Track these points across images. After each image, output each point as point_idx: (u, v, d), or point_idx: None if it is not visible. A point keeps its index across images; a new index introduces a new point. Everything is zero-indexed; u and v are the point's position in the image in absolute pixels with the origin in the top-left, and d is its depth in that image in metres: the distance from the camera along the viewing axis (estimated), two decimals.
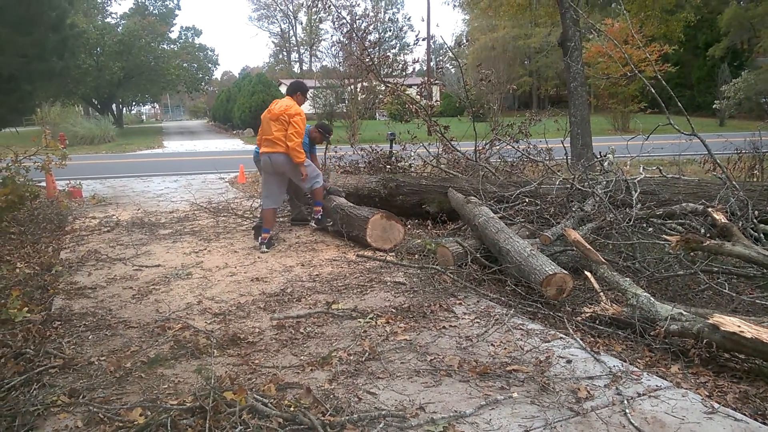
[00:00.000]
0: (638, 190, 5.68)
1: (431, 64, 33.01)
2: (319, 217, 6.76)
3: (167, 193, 10.76)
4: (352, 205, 6.56)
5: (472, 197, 6.09)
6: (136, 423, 2.64)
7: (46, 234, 7.20)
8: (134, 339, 3.78)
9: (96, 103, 39.31)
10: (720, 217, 4.95)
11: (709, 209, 5.16)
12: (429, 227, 6.93)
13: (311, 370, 3.24)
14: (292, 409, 2.74)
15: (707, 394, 2.95)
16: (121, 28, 37.40)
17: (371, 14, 23.81)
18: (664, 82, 6.10)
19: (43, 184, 9.85)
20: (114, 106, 42.38)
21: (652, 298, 3.73)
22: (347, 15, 18.80)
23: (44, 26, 9.71)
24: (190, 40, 45.26)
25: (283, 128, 6.05)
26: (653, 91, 6.00)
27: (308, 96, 6.45)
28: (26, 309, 4.29)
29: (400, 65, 18.29)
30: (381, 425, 2.59)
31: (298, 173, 6.26)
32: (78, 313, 4.31)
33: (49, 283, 5.10)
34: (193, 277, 5.20)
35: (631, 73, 8.07)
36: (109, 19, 41.57)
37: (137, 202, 9.47)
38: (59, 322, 4.11)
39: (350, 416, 2.68)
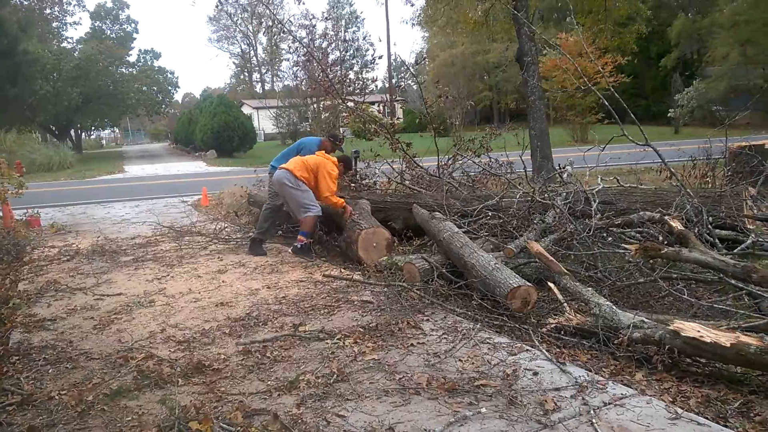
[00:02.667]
0: (597, 201, 5.80)
1: (392, 81, 33.32)
2: (299, 246, 6.57)
3: (128, 218, 10.57)
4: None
5: (437, 213, 6.14)
6: None
7: (2, 265, 6.98)
8: (96, 371, 3.68)
9: (54, 129, 38.56)
10: (676, 225, 5.08)
11: (666, 217, 5.30)
12: (395, 244, 6.94)
13: (278, 395, 3.20)
14: None
15: (671, 399, 3.01)
16: (77, 53, 36.88)
17: (331, 34, 24.01)
18: (616, 94, 6.26)
19: None
20: (72, 131, 41.61)
21: (614, 307, 3.80)
22: (307, 35, 18.90)
23: None
24: (149, 63, 44.89)
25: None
26: (606, 103, 6.16)
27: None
28: None
29: (361, 84, 18.40)
30: None
31: (289, 197, 6.54)
32: (37, 346, 4.17)
33: (6, 317, 4.94)
34: (156, 304, 5.10)
35: (585, 86, 8.26)
36: (65, 44, 40.93)
37: (98, 229, 9.27)
38: (17, 357, 3.98)
39: None
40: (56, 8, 42.18)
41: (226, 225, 8.93)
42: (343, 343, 3.93)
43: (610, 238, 5.34)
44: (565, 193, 6.24)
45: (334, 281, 5.50)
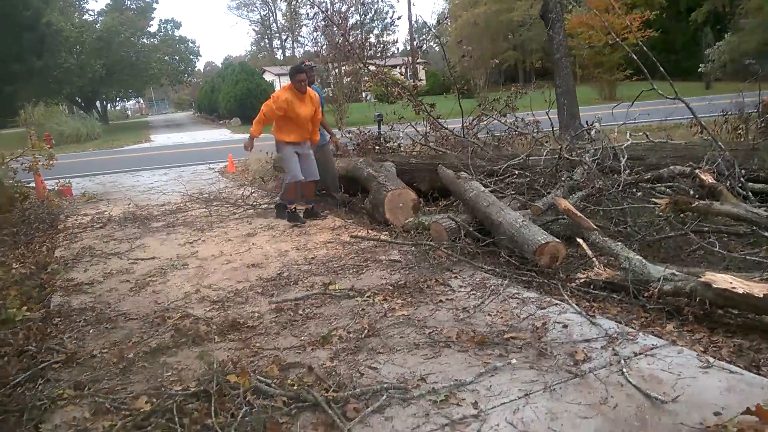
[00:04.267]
0: (626, 156, 5.71)
1: (414, 43, 32.82)
2: (279, 201, 6.93)
3: (157, 186, 10.73)
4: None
5: (462, 172, 6.11)
6: (142, 410, 2.67)
7: (39, 233, 7.17)
8: (135, 330, 3.80)
9: (80, 101, 38.97)
10: (707, 178, 4.99)
11: (697, 171, 5.20)
12: (421, 205, 6.95)
13: (312, 349, 3.28)
14: (295, 387, 2.78)
15: (702, 349, 3.00)
16: (99, 24, 36.99)
17: None
18: (646, 48, 6.10)
19: (33, 184, 9.81)
20: (98, 103, 42.01)
21: (644, 260, 3.78)
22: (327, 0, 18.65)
23: (19, 26, 9.59)
24: (170, 32, 44.79)
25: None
26: (635, 58, 6.01)
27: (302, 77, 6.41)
28: (25, 308, 4.29)
29: (382, 47, 18.18)
30: (384, 398, 2.64)
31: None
32: (77, 308, 4.32)
33: (46, 282, 5.11)
34: (189, 267, 5.21)
35: (613, 42, 8.04)
36: (86, 17, 40.96)
37: (128, 197, 9.43)
38: (59, 319, 4.13)
39: (353, 391, 2.73)
40: None
41: (253, 190, 9.01)
42: (373, 300, 3.99)
43: (639, 193, 5.27)
44: (593, 150, 6.15)
45: (361, 242, 5.55)
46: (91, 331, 3.86)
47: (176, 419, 2.53)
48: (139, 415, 2.64)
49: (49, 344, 3.63)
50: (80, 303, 4.45)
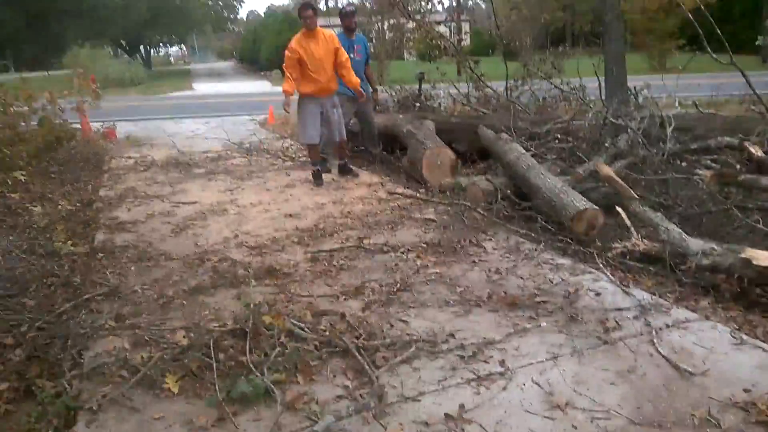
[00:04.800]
0: (672, 125, 5.56)
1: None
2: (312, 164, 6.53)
3: (199, 133, 10.88)
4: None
5: (503, 134, 6.04)
6: (179, 344, 2.79)
7: (84, 173, 7.38)
8: (175, 270, 3.93)
9: (124, 44, 39.33)
10: (756, 151, 4.84)
11: (745, 143, 5.05)
12: (459, 166, 6.91)
13: (344, 299, 3.36)
14: (327, 333, 2.86)
15: (736, 327, 2.97)
16: None
17: None
18: (708, 13, 5.84)
19: (78, 125, 10.03)
20: (142, 48, 42.36)
21: (683, 233, 3.72)
22: None
23: None
24: None
25: None
26: (695, 23, 5.77)
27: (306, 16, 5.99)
28: (71, 242, 4.49)
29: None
30: (412, 349, 2.70)
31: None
32: (120, 246, 4.47)
33: (91, 219, 5.29)
34: (229, 213, 5.33)
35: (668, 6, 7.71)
36: None
37: (171, 143, 9.59)
38: (102, 254, 4.28)
39: (383, 341, 2.80)
40: None
41: (292, 143, 9.07)
42: (407, 256, 4.04)
43: (684, 164, 5.15)
44: (639, 117, 6.00)
45: (397, 199, 5.57)
46: (132, 268, 4.01)
47: (212, 354, 2.64)
48: (176, 348, 2.76)
49: (92, 277, 3.80)
50: (123, 241, 4.60)
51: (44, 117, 8.44)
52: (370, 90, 7.40)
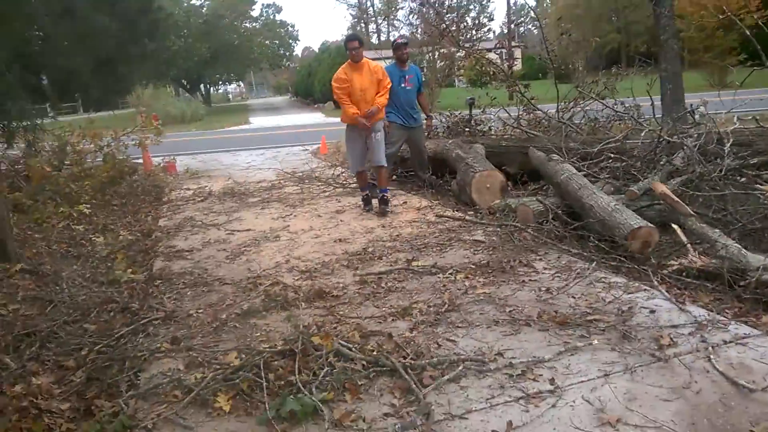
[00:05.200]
0: (731, 140, 5.37)
1: (511, 25, 32.09)
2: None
3: (254, 164, 11.19)
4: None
5: (554, 155, 5.98)
6: (231, 365, 2.85)
7: (145, 205, 7.69)
8: (229, 294, 4.04)
9: (185, 83, 41.06)
10: None
11: None
12: (510, 188, 6.86)
13: (392, 320, 3.37)
14: (374, 353, 2.87)
15: None
16: (205, 9, 38.74)
17: None
18: (766, 28, 5.67)
19: (140, 160, 10.50)
20: (202, 86, 44.10)
21: (742, 249, 3.58)
22: None
23: (134, 10, 10.24)
24: (271, 17, 46.17)
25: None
26: (753, 39, 5.61)
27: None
28: (130, 270, 4.67)
29: (477, 26, 17.86)
30: (460, 368, 2.68)
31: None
32: (177, 272, 4.63)
33: (150, 247, 5.50)
34: (281, 239, 5.45)
35: (727, 22, 7.51)
36: (193, 1, 43.03)
37: (227, 174, 9.91)
38: (160, 281, 4.45)
39: (430, 360, 2.79)
40: None
41: (343, 170, 9.20)
42: (455, 277, 4.02)
43: (743, 180, 4.96)
44: (696, 134, 5.83)
45: (446, 222, 5.57)
46: (188, 293, 4.14)
47: (262, 374, 2.69)
48: (228, 369, 2.83)
49: (150, 303, 3.95)
50: (180, 268, 4.76)
51: (108, 153, 8.91)
52: (423, 118, 7.42)
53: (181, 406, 2.57)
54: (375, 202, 6.43)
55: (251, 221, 6.28)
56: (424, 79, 11.65)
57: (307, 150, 12.99)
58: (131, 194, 8.25)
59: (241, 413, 2.51)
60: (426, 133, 7.98)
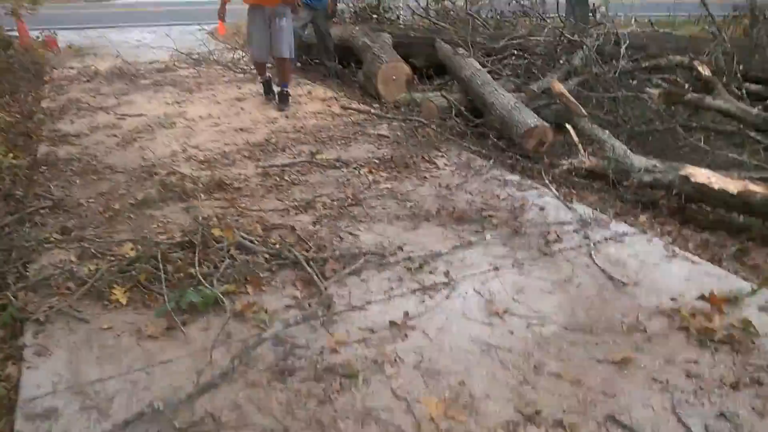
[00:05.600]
0: (627, 42, 5.56)
1: None
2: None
3: (146, 43, 10.39)
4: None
5: (460, 49, 5.96)
6: (127, 256, 2.77)
7: (24, 83, 7.01)
8: (121, 183, 3.85)
9: None
10: (705, 71, 4.92)
11: (695, 62, 5.11)
12: (415, 81, 6.82)
13: (295, 213, 3.37)
14: (277, 246, 2.88)
15: (671, 241, 3.11)
16: None
17: None
18: None
19: (15, 33, 9.42)
20: None
21: (628, 150, 3.82)
22: None
23: None
24: None
25: None
26: None
27: None
28: (11, 155, 4.31)
29: None
30: (361, 261, 2.76)
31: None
32: (63, 158, 4.34)
33: (32, 131, 5.08)
34: (177, 126, 5.19)
35: None
36: None
37: (115, 53, 9.11)
38: (45, 167, 4.16)
39: (332, 253, 2.84)
40: None
41: (244, 54, 8.74)
42: (358, 172, 4.04)
43: (634, 82, 5.21)
44: (595, 35, 5.98)
45: (351, 114, 5.50)
46: (77, 181, 3.91)
47: (160, 266, 2.63)
48: (124, 260, 2.75)
49: (35, 191, 3.70)
50: (67, 153, 4.46)
51: None
52: (326, 0, 7.10)
53: (75, 298, 2.50)
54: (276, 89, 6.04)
55: (143, 105, 5.90)
56: None
57: (204, 29, 12.13)
58: (7, 71, 7.45)
59: (138, 305, 2.48)
60: (330, 14, 7.54)
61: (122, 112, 5.61)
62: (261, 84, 6.19)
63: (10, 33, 8.99)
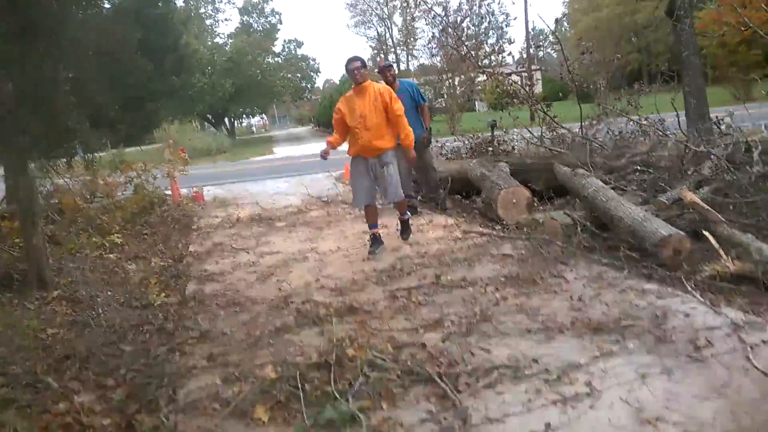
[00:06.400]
0: (759, 148, 5.33)
1: (530, 49, 32.27)
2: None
3: (280, 191, 11.33)
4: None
5: (580, 169, 5.98)
6: (268, 377, 2.89)
7: (175, 233, 7.82)
8: (261, 313, 4.09)
9: (210, 118, 41.89)
10: None
11: None
12: (536, 205, 6.85)
13: (424, 332, 3.38)
14: (408, 363, 2.88)
15: None
16: (229, 46, 39.74)
17: (465, 8, 23.69)
18: None
19: (169, 192, 10.70)
20: (226, 119, 44.95)
21: None
22: (441, 10, 18.88)
23: (162, 48, 10.60)
24: (293, 51, 47.02)
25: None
26: None
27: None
28: (163, 294, 4.76)
29: (497, 50, 18.03)
30: (495, 375, 2.68)
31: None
32: (209, 294, 4.70)
33: (182, 272, 5.58)
34: (310, 260, 5.50)
35: (749, 34, 7.46)
36: (217, 39, 44.12)
37: (254, 201, 10.03)
38: (193, 303, 4.51)
39: (464, 368, 2.79)
40: (210, 7, 45.43)
41: None
42: (485, 290, 4.02)
43: None
44: (723, 144, 5.79)
45: (473, 237, 5.57)
46: (221, 314, 4.20)
47: (299, 385, 2.71)
48: (265, 381, 2.86)
49: (184, 324, 4.01)
50: (212, 290, 4.83)
51: (139, 185, 9.12)
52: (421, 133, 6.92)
53: (221, 418, 2.60)
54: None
55: (280, 244, 6.35)
56: (444, 105, 11.56)
57: (331, 176, 13.11)
58: (161, 223, 8.39)
59: (279, 423, 2.54)
60: (425, 143, 7.24)
61: (261, 252, 6.06)
62: (370, 234, 5.67)
63: (166, 192, 10.24)
